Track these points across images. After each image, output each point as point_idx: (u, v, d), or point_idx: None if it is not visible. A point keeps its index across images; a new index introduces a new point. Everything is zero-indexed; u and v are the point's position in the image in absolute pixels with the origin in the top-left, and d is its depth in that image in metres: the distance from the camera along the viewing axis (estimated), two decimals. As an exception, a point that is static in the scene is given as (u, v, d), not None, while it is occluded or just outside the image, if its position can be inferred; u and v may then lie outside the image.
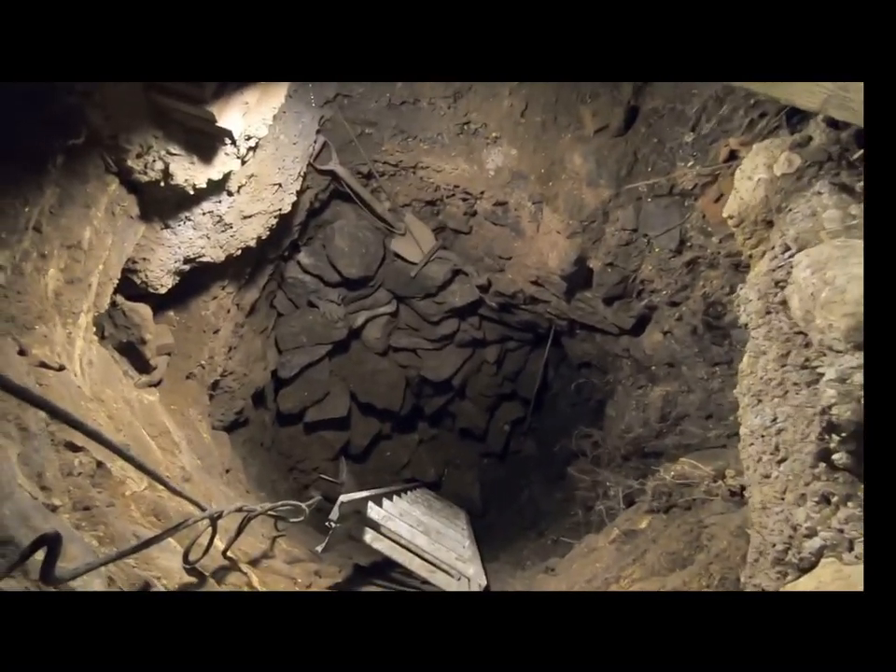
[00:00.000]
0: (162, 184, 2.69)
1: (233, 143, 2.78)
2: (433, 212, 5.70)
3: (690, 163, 3.49)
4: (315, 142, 4.44)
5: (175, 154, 2.65)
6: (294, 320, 6.17)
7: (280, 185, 3.75)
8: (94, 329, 2.63)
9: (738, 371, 1.97)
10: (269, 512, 2.24)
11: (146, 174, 2.59)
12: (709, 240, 3.48)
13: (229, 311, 4.43)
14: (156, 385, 3.49)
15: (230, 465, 3.93)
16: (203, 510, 1.80)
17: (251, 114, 2.75)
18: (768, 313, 1.79)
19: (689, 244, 3.68)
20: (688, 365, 4.00)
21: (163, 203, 2.95)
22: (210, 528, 1.87)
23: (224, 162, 2.86)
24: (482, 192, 4.77)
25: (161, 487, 2.18)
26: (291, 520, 2.39)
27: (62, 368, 2.05)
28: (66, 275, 2.29)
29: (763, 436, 1.72)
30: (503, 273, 5.51)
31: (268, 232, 3.95)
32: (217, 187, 3.08)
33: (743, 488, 2.11)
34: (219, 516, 1.84)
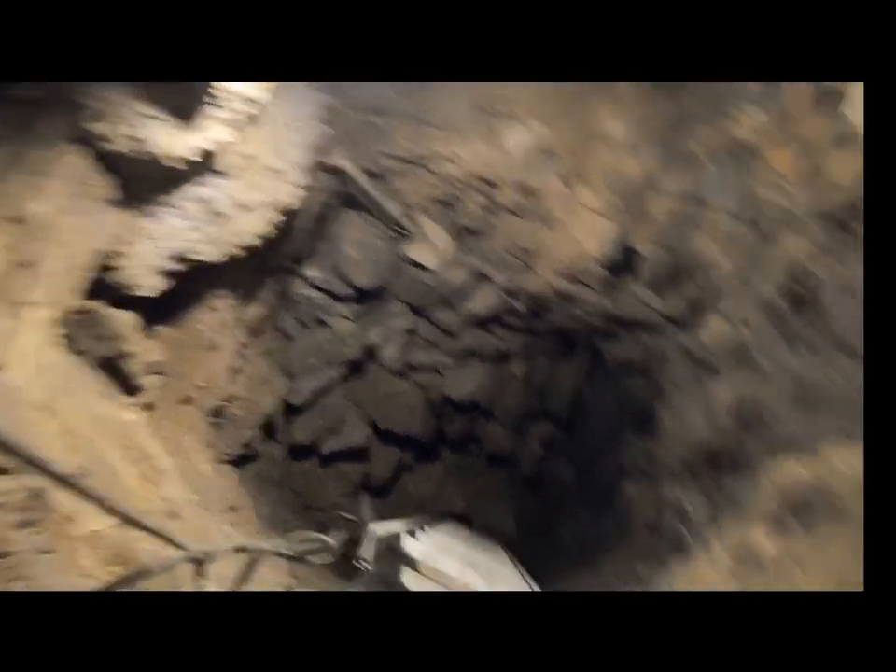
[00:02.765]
0: (139, 155, 2.22)
1: (222, 104, 2.31)
2: (450, 213, 5.24)
3: (752, 110, 3.00)
4: (319, 134, 4.01)
5: (151, 117, 2.18)
6: (303, 341, 5.65)
7: (281, 172, 3.29)
8: (61, 330, 2.11)
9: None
10: (283, 552, 1.65)
11: (115, 140, 2.12)
12: (785, 193, 2.95)
13: (229, 327, 3.92)
14: (146, 408, 2.95)
15: (235, 502, 3.35)
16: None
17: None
18: None
19: (757, 204, 3.15)
20: (765, 353, 3.41)
21: (142, 184, 2.48)
22: (197, 575, 1.29)
23: (210, 126, 2.39)
24: (503, 178, 4.31)
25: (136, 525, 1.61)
26: (315, 560, 1.80)
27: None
28: (11, 255, 1.78)
29: None
30: (530, 273, 4.99)
31: (274, 231, 3.47)
32: (208, 162, 2.61)
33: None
34: (202, 560, 1.26)
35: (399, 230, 5.31)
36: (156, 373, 3.07)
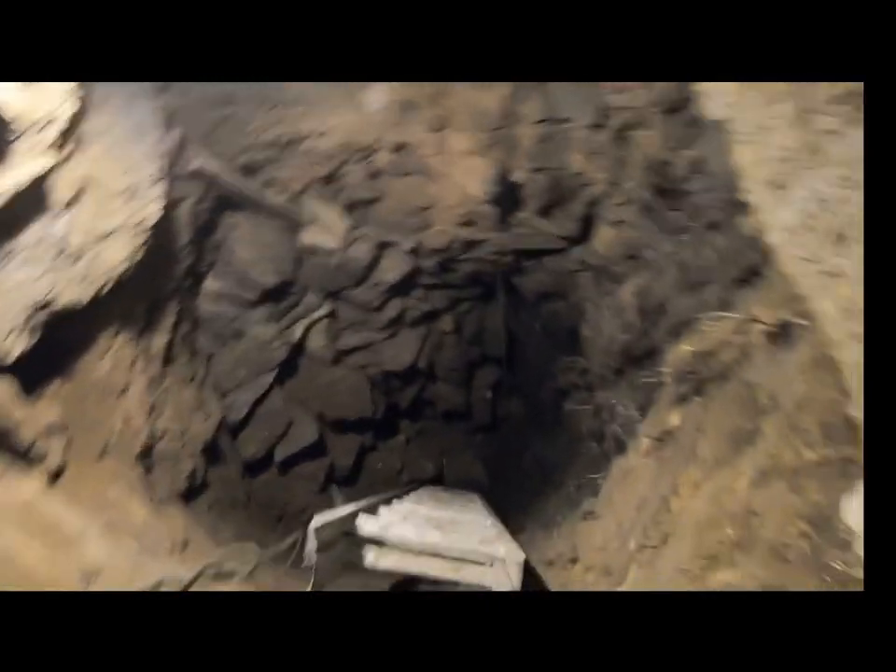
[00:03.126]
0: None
1: (22, 133, 2.10)
2: (335, 189, 5.10)
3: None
4: (167, 137, 3.74)
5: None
6: (225, 356, 5.44)
7: (132, 189, 3.06)
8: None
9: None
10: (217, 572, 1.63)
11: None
12: (630, 95, 3.07)
13: (134, 363, 3.70)
14: (55, 474, 2.77)
15: (186, 537, 3.25)
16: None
17: (34, 87, 2.07)
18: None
19: (609, 112, 3.26)
20: (650, 246, 3.61)
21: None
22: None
23: (23, 160, 2.18)
24: (376, 141, 4.22)
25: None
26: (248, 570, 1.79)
27: None
28: None
29: (811, 228, 1.27)
30: (430, 228, 4.99)
31: (141, 253, 3.25)
32: (36, 195, 2.39)
33: (786, 326, 1.69)
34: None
35: (290, 218, 5.13)
36: (57, 435, 2.87)
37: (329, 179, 4.92)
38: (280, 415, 5.81)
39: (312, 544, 2.14)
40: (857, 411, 1.22)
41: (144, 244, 3.28)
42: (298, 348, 5.89)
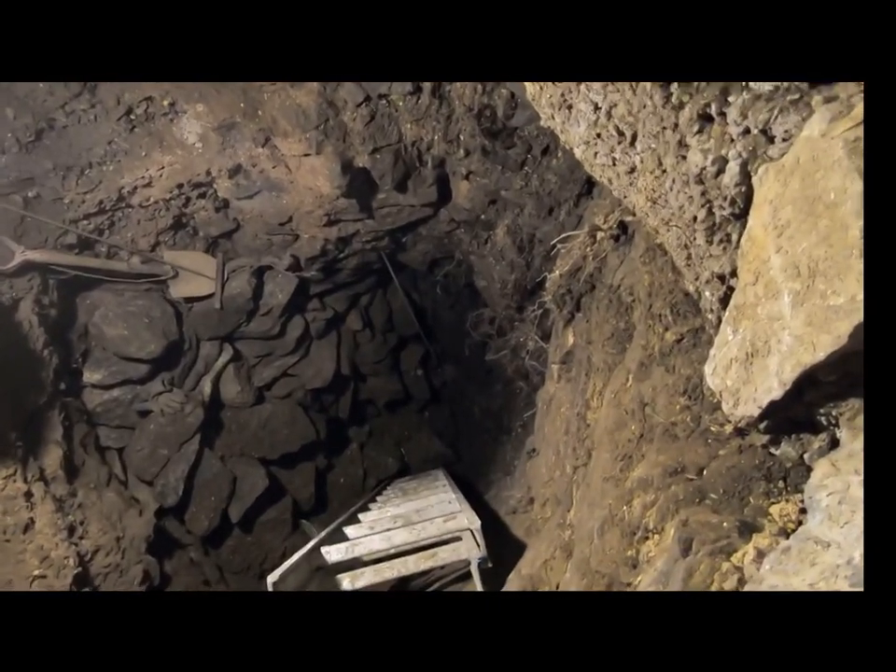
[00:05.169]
0: None
1: None
2: (188, 233, 4.79)
3: None
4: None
5: None
6: (138, 443, 5.05)
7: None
8: None
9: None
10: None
11: None
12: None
13: (30, 494, 3.36)
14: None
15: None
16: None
17: None
18: None
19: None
20: (503, 187, 3.74)
21: None
22: None
23: None
24: (208, 172, 3.98)
25: None
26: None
27: None
28: None
29: (599, 136, 1.37)
30: (299, 239, 4.84)
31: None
32: None
33: (623, 225, 1.84)
34: None
35: (152, 278, 4.77)
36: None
37: (178, 225, 4.61)
38: (221, 477, 5.53)
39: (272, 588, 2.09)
40: (691, 286, 1.36)
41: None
42: (214, 403, 5.59)
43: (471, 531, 2.27)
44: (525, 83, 1.60)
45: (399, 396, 7.30)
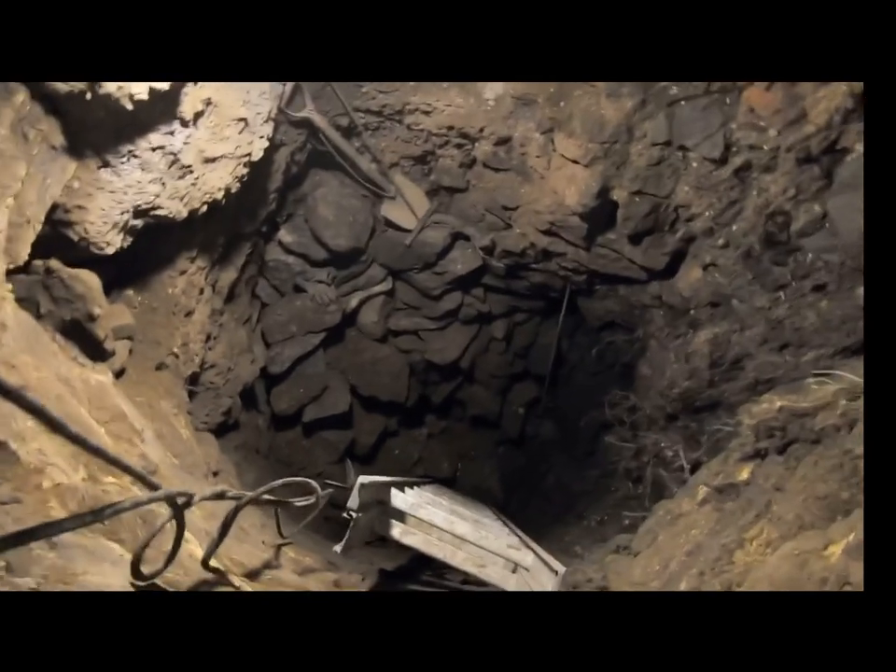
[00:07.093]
0: (89, 96, 2.06)
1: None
2: (424, 171, 5.10)
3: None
4: (285, 83, 3.81)
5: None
6: (281, 308, 5.52)
7: (246, 121, 3.12)
8: (10, 286, 1.99)
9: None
10: (265, 497, 1.62)
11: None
12: (764, 135, 2.92)
13: (202, 291, 3.78)
14: (117, 375, 2.84)
15: (218, 468, 3.29)
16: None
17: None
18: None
19: (735, 148, 3.11)
20: (739, 297, 3.44)
21: (97, 131, 2.31)
22: (175, 524, 1.25)
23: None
24: (481, 130, 4.18)
25: (105, 480, 1.55)
26: (298, 503, 1.77)
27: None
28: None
29: None
30: (510, 229, 4.92)
31: (238, 184, 3.32)
32: (165, 107, 2.45)
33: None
34: (187, 503, 1.21)
35: (375, 189, 5.16)
36: (125, 338, 2.95)
37: (422, 159, 4.93)
38: (318, 378, 5.86)
39: (354, 500, 2.10)
40: None
41: (242, 177, 3.35)
42: (350, 317, 5.93)
43: (530, 572, 2.08)
44: None
45: (491, 418, 7.17)
